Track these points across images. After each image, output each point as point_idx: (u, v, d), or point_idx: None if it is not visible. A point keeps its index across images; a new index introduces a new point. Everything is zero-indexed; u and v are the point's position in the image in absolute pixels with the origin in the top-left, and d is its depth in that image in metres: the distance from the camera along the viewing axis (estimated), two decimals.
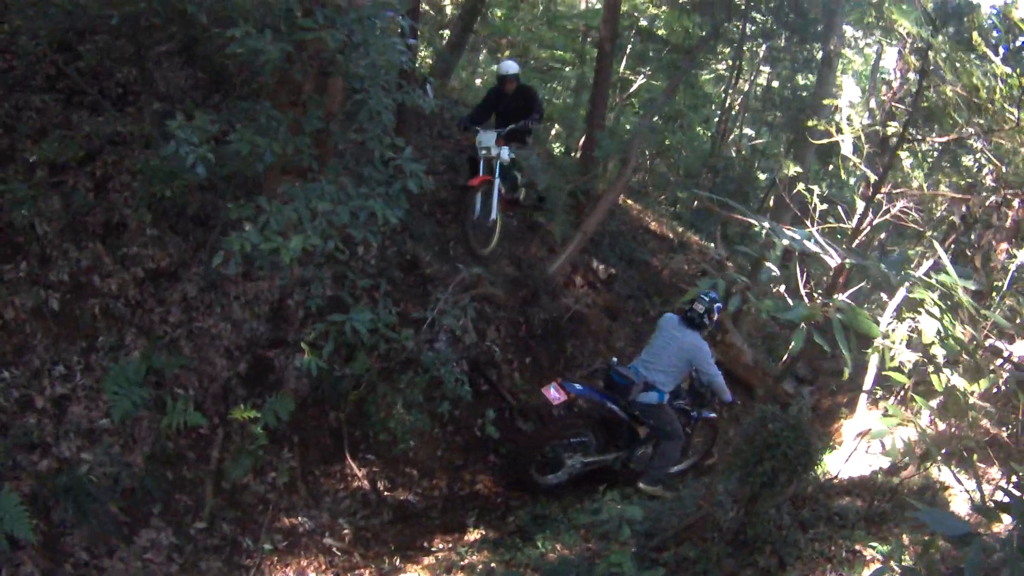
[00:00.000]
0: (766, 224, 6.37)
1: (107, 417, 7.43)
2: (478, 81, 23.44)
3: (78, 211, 8.30)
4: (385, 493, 8.57)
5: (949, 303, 6.75)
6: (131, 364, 7.64)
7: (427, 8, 21.54)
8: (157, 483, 7.49)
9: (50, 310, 7.72)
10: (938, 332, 6.51)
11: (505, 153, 11.74)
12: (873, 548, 6.41)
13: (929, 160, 11.71)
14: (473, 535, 8.10)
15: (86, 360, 7.70)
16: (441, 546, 7.99)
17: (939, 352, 6.92)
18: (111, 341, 7.86)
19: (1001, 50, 10.07)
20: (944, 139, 10.38)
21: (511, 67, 12.61)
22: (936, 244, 8.95)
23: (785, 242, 5.71)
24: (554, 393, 8.72)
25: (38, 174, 8.37)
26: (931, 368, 6.73)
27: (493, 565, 7.16)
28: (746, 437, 6.37)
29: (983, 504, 5.40)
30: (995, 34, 10.07)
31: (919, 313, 7.03)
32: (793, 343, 5.63)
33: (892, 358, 7.32)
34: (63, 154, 8.52)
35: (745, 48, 21.92)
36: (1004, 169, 9.98)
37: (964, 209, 10.51)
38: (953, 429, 7.69)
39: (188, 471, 7.76)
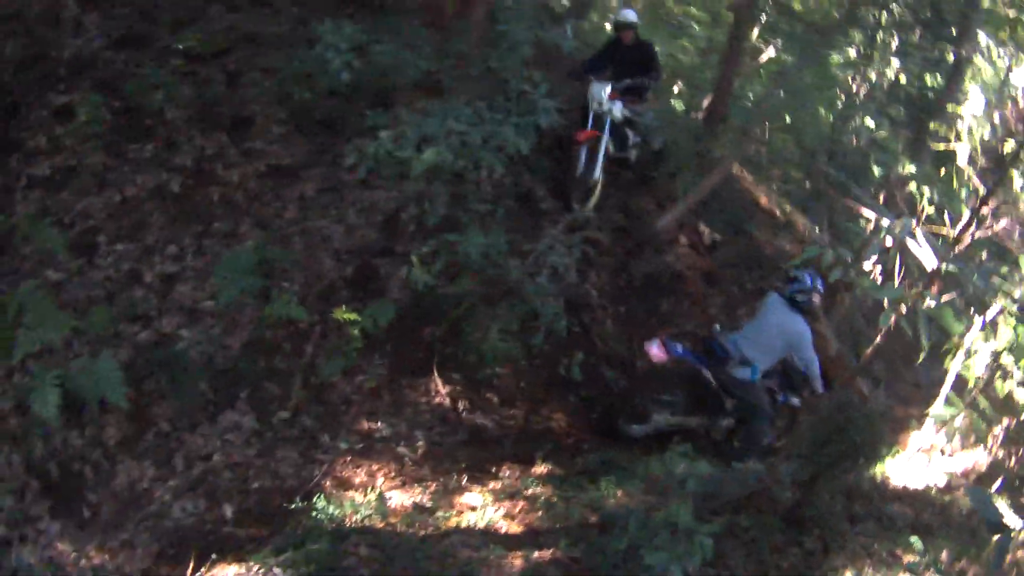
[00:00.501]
0: (876, 210, 6.46)
1: (212, 299, 7.72)
2: (607, 26, 23.30)
3: (208, 101, 8.55)
4: (463, 414, 8.69)
5: None
6: (243, 252, 7.91)
7: None
8: (250, 368, 7.77)
9: (170, 192, 8.02)
10: (1010, 341, 6.52)
11: (617, 109, 11.23)
12: (913, 551, 6.48)
13: None
14: (540, 468, 8.17)
15: (199, 243, 7.99)
16: (508, 473, 8.08)
17: (1008, 360, 6.95)
18: (226, 228, 8.12)
19: None
20: None
21: (630, 15, 11.82)
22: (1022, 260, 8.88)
23: (889, 225, 5.77)
24: (655, 350, 8.77)
25: (173, 62, 8.60)
26: (998, 374, 6.73)
27: (554, 499, 7.29)
28: (820, 418, 6.45)
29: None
30: None
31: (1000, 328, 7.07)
32: (882, 318, 5.75)
33: (967, 367, 7.34)
34: (199, 45, 8.73)
35: (878, 37, 21.54)
36: None
37: None
38: (1014, 456, 7.68)
39: (281, 362, 8.00)
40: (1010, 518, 5.24)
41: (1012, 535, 4.15)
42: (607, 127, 11.01)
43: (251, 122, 8.70)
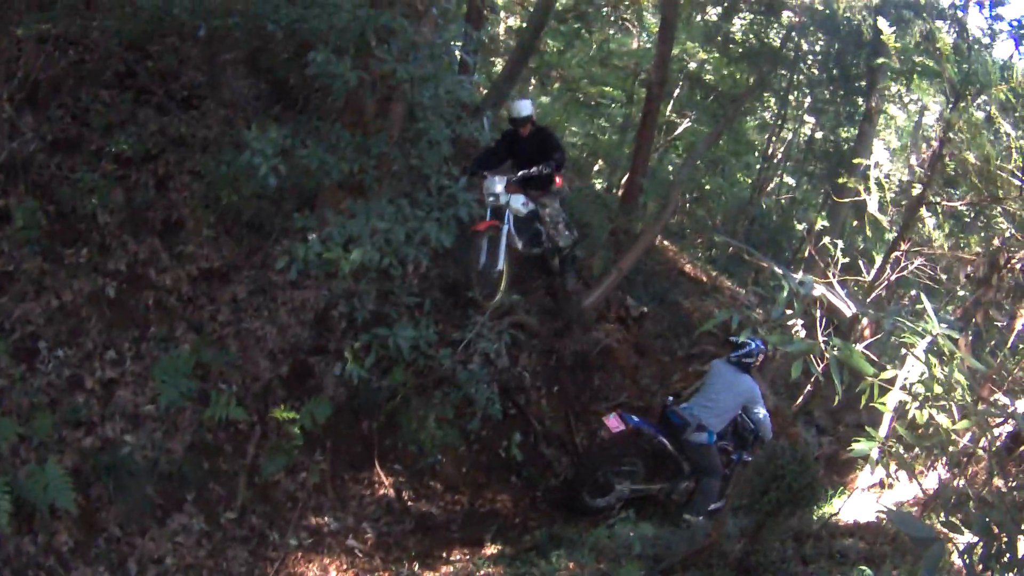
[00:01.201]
0: (778, 269, 6.86)
1: (152, 403, 7.77)
2: (522, 98, 23.54)
3: (139, 205, 8.64)
4: (409, 503, 8.85)
5: (937, 351, 7.18)
6: (180, 356, 8.00)
7: (479, 37, 21.69)
8: (194, 471, 7.84)
9: (106, 297, 8.07)
10: (922, 374, 6.94)
11: (518, 202, 10.86)
12: None
13: (950, 221, 11.99)
14: (490, 549, 8.34)
15: (137, 348, 8.04)
16: (458, 557, 8.24)
17: (920, 391, 7.33)
18: (162, 332, 8.20)
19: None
20: (960, 203, 10.70)
21: (524, 109, 11.10)
22: (923, 296, 9.25)
23: (793, 287, 6.11)
24: (614, 422, 9.21)
25: (104, 166, 8.70)
26: (915, 405, 7.11)
27: None
28: (755, 468, 6.71)
29: (947, 520, 5.78)
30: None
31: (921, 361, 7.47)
32: (792, 370, 6.13)
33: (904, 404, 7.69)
34: (129, 149, 8.85)
35: (790, 97, 22.11)
36: (1010, 232, 10.33)
37: (969, 269, 10.91)
38: (956, 482, 7.97)
39: (224, 463, 8.10)
40: (939, 531, 5.51)
41: (943, 546, 4.37)
42: (508, 219, 10.79)
43: (182, 226, 8.80)
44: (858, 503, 9.24)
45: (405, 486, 8.97)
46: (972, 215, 11.83)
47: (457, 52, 8.38)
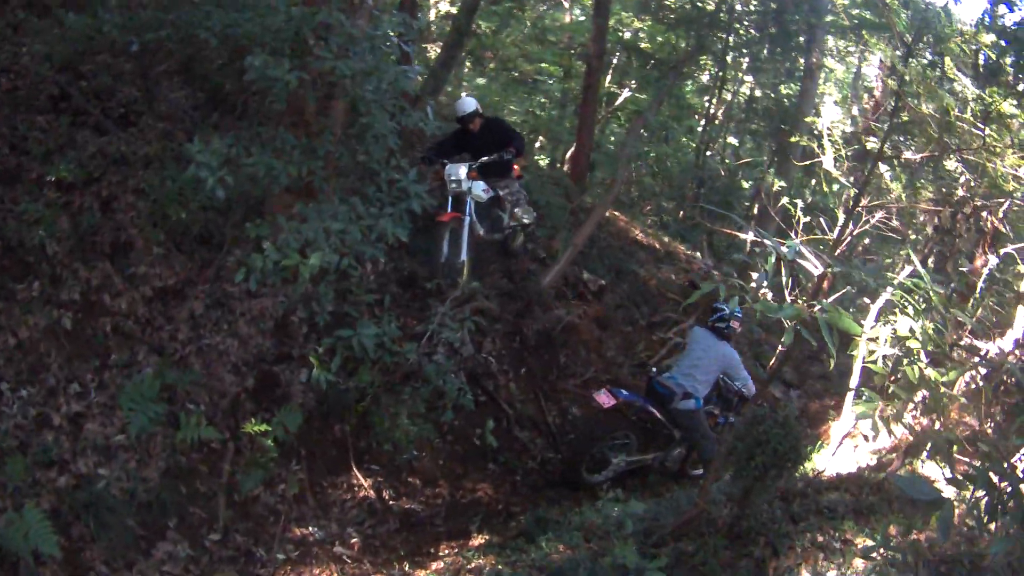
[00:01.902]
0: (759, 236, 6.85)
1: (122, 433, 7.59)
2: (464, 95, 23.40)
3: (86, 231, 8.44)
4: (390, 502, 8.78)
5: (924, 304, 7.24)
6: (144, 381, 7.82)
7: (419, 26, 21.47)
8: (172, 497, 7.69)
9: (63, 329, 7.87)
10: (911, 329, 6.99)
11: (479, 188, 11.04)
12: (864, 536, 6.73)
13: (905, 174, 12.02)
14: (478, 540, 8.30)
15: (100, 378, 7.86)
16: (447, 551, 8.18)
17: (914, 346, 7.40)
18: (123, 359, 8.03)
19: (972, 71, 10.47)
20: (919, 156, 10.74)
21: (468, 106, 11.46)
22: (912, 253, 9.40)
23: (779, 252, 6.07)
24: (604, 397, 9.34)
25: (47, 194, 8.53)
26: (905, 361, 7.17)
27: (500, 567, 7.31)
28: (738, 435, 6.73)
29: (953, 477, 5.79)
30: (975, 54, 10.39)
31: (897, 315, 7.53)
32: (785, 337, 6.10)
33: (872, 354, 7.77)
34: (70, 174, 8.68)
35: (728, 59, 22.11)
36: (973, 183, 10.39)
37: (936, 220, 11.01)
38: (936, 425, 8.04)
39: (201, 484, 7.95)
40: (944, 488, 5.52)
41: (952, 504, 4.40)
42: (470, 208, 10.95)
43: (131, 247, 8.61)
44: (835, 455, 9.36)
45: (384, 485, 8.91)
46: (930, 166, 11.87)
47: (397, 42, 8.21)
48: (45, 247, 8.17)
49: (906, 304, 7.51)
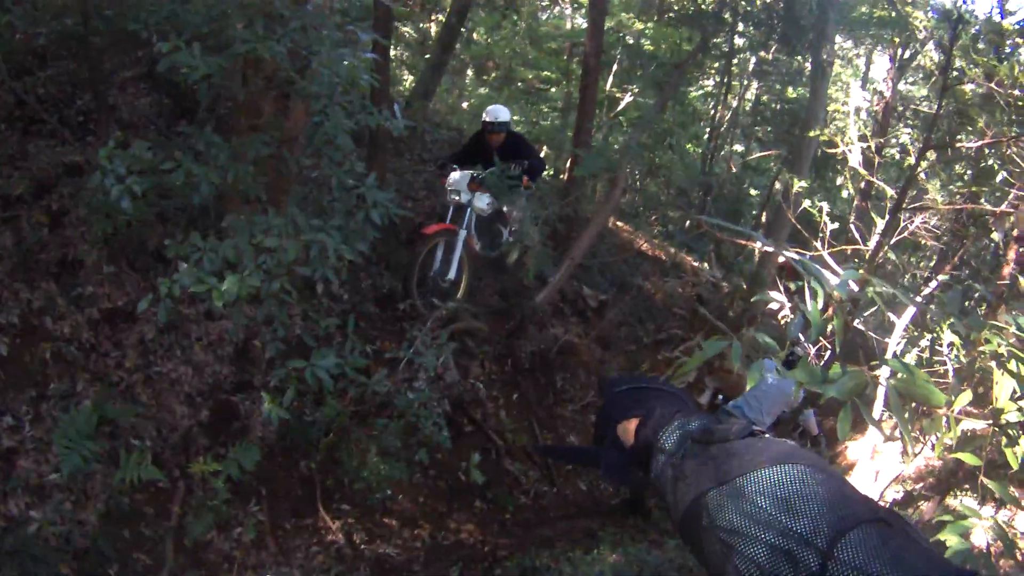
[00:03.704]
0: (798, 261, 5.18)
1: (57, 472, 6.90)
2: (464, 104, 22.97)
3: (31, 248, 7.81)
4: (362, 546, 7.99)
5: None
6: (81, 414, 7.09)
7: (410, 32, 21.20)
8: (112, 542, 6.91)
9: None
10: (1014, 392, 5.51)
11: (482, 202, 10.38)
12: None
13: (943, 173, 11.20)
14: None
15: (36, 410, 7.18)
16: None
17: (1013, 418, 5.99)
18: (62, 389, 7.35)
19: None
20: (976, 144, 9.60)
21: (501, 113, 10.91)
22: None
23: (827, 288, 4.62)
24: None
25: None
26: (1004, 440, 5.71)
27: None
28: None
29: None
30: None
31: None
32: (840, 425, 4.23)
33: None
34: (15, 187, 8.05)
35: (734, 62, 21.56)
36: None
37: (1008, 224, 9.94)
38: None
39: (146, 528, 7.18)
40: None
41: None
42: (468, 221, 10.28)
43: (80, 265, 7.97)
44: (856, 483, 8.64)
45: (356, 528, 8.09)
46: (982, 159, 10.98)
47: (357, 32, 7.32)
48: None
49: (1000, 351, 6.37)
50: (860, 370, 3.71)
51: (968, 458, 5.17)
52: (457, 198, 10.22)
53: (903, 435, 4.28)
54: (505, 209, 10.92)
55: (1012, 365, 4.74)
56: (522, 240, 10.70)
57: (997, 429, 4.75)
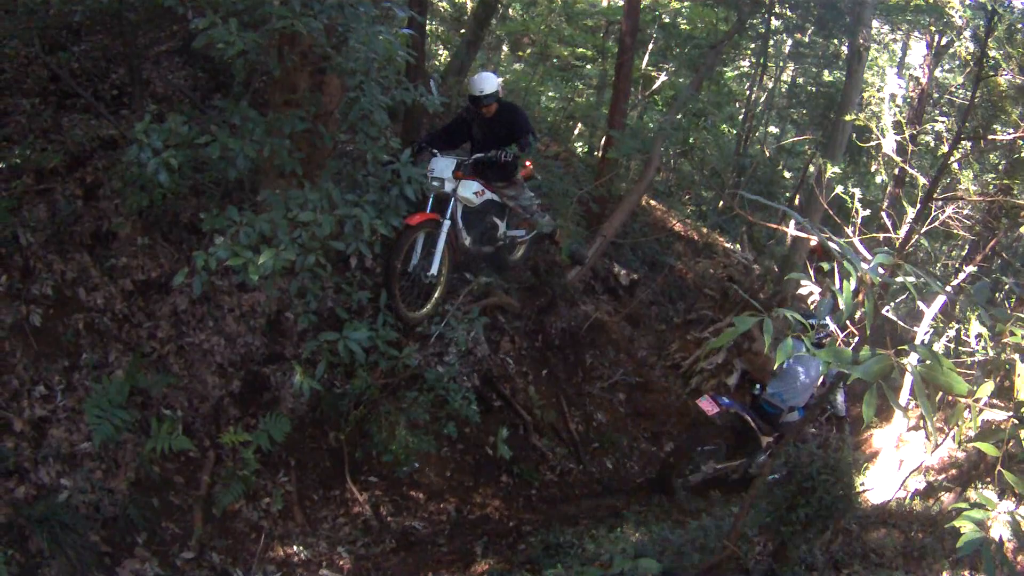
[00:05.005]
0: (830, 242, 5.10)
1: (88, 441, 6.96)
2: (483, 71, 22.87)
3: (65, 220, 7.88)
4: (388, 519, 8.06)
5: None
6: (114, 384, 7.15)
7: (445, 7, 21.15)
8: (141, 511, 6.98)
9: (31, 326, 7.29)
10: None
11: (468, 191, 9.24)
12: None
13: (975, 164, 11.11)
14: (481, 566, 7.55)
15: (68, 380, 7.25)
16: None
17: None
18: (95, 359, 7.42)
19: None
20: (1011, 136, 9.57)
21: (487, 82, 9.23)
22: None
23: (860, 271, 4.64)
24: (708, 404, 9.36)
25: (22, 181, 7.96)
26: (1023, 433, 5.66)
27: None
28: (780, 481, 5.88)
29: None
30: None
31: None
32: (866, 409, 4.34)
33: (973, 417, 6.55)
34: (49, 160, 8.10)
35: (770, 43, 21.40)
36: None
37: None
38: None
39: (175, 497, 7.28)
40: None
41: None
42: (454, 212, 9.15)
43: (113, 236, 8.03)
44: (882, 481, 8.71)
45: (383, 500, 8.18)
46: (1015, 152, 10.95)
47: (393, 7, 7.31)
48: (18, 238, 7.58)
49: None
50: (887, 354, 3.74)
51: (987, 448, 5.17)
52: (439, 186, 9.04)
53: (926, 422, 4.31)
54: (510, 204, 10.04)
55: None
56: (542, 230, 10.18)
57: (1017, 421, 4.72)
